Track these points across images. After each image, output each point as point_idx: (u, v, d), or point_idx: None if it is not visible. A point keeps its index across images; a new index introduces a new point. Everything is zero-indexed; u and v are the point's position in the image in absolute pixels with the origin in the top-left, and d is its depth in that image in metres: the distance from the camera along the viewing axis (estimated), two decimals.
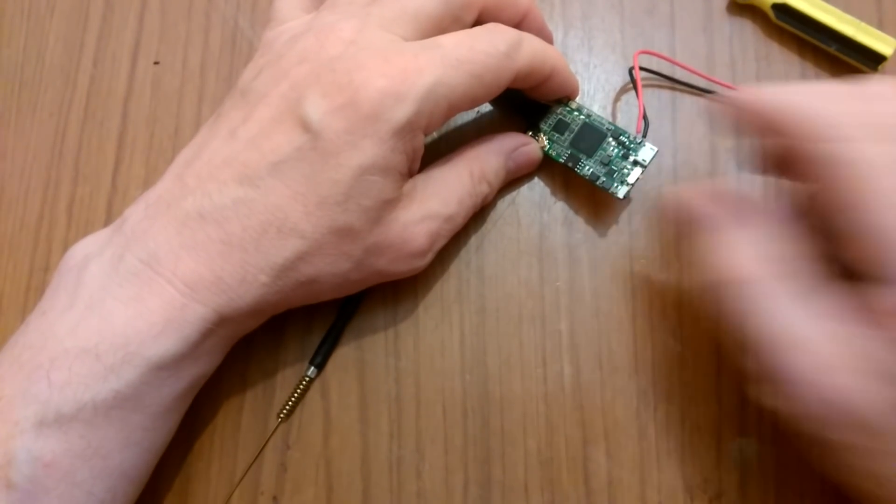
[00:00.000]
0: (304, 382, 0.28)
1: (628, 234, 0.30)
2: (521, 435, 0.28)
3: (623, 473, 0.28)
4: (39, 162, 0.32)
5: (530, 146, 0.29)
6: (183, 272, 0.23)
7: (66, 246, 0.30)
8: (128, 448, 0.23)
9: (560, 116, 0.29)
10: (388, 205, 0.24)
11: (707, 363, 0.29)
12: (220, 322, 0.24)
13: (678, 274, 0.29)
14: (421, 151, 0.25)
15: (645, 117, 0.29)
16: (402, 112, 0.23)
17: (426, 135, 0.25)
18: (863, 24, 0.30)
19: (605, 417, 0.28)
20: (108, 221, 0.30)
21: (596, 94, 0.31)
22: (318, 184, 0.23)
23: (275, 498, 0.28)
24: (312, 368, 0.28)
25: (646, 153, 0.28)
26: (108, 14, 0.33)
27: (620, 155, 0.29)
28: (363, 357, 0.29)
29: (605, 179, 0.29)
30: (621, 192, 0.28)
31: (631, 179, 0.28)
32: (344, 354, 0.29)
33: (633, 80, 0.29)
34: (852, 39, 0.30)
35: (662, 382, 0.28)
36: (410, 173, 0.26)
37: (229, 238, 0.23)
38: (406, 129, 0.23)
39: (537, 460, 0.28)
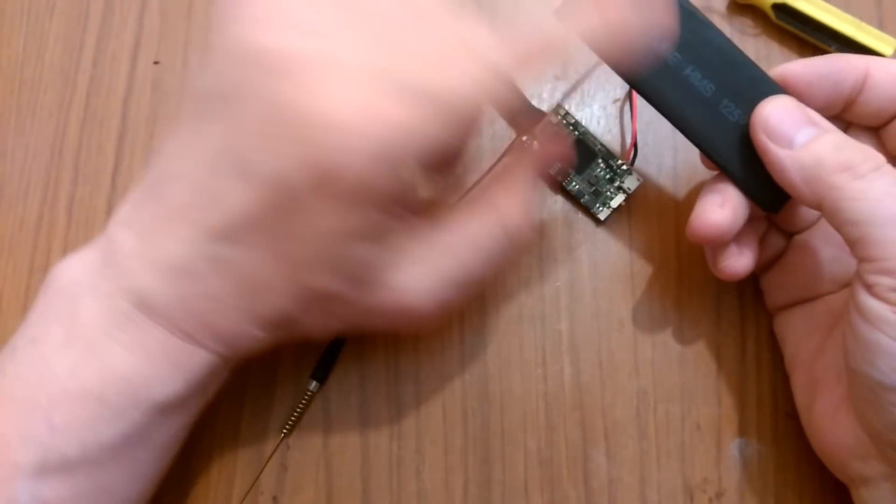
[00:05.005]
0: (306, 397, 0.28)
1: (628, 234, 0.30)
2: (521, 435, 0.28)
3: (623, 473, 0.28)
4: (39, 162, 0.32)
5: (566, 157, 0.27)
6: (179, 322, 0.22)
7: (66, 246, 0.31)
8: (134, 482, 0.23)
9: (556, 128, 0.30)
10: (374, 268, 0.22)
11: (707, 363, 0.29)
12: (224, 363, 0.24)
13: (678, 274, 0.29)
14: (418, 202, 0.23)
15: (635, 146, 0.29)
16: (379, 175, 0.20)
17: (416, 183, 0.23)
18: (863, 24, 0.30)
19: (605, 417, 0.28)
20: (107, 222, 0.30)
21: (596, 94, 0.31)
22: (294, 244, 0.21)
23: (275, 498, 0.28)
24: (315, 383, 0.28)
25: (631, 182, 0.29)
26: (107, 14, 0.33)
27: (607, 178, 0.29)
28: (363, 357, 0.29)
29: (588, 199, 0.29)
30: (603, 214, 0.29)
31: (614, 204, 0.29)
32: (344, 355, 0.29)
33: (630, 104, 0.30)
34: (852, 39, 0.30)
35: (662, 382, 0.28)
36: (414, 214, 0.23)
37: (215, 294, 0.22)
38: (385, 193, 0.21)
39: (537, 460, 0.28)
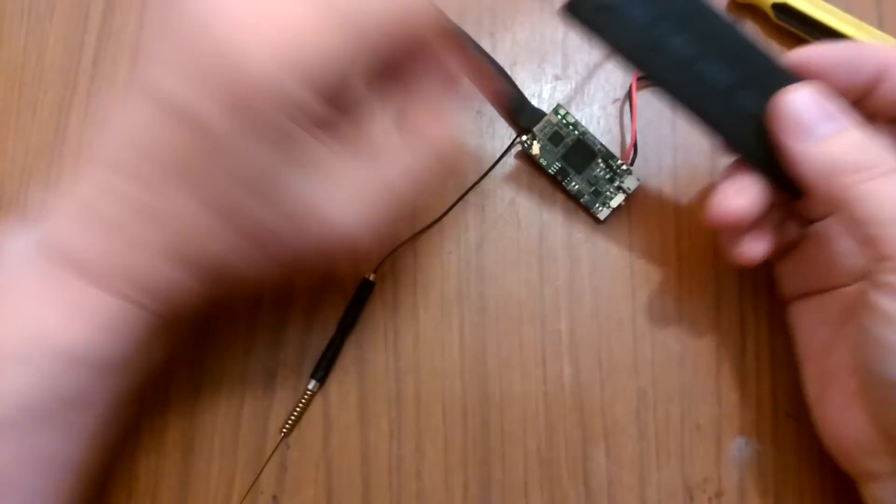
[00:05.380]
0: (305, 396, 0.28)
1: (628, 234, 0.30)
2: (520, 435, 0.28)
3: (623, 473, 0.28)
4: (39, 162, 0.32)
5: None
6: (105, 276, 0.21)
7: None
8: (73, 447, 0.22)
9: (556, 128, 0.30)
10: (299, 190, 0.22)
11: (707, 363, 0.29)
12: (161, 322, 0.23)
13: (678, 274, 0.29)
14: (330, 117, 0.22)
15: (635, 146, 0.29)
16: (289, 84, 0.20)
17: (339, 107, 0.22)
18: (863, 24, 0.30)
19: (605, 417, 0.28)
20: None
21: (596, 94, 0.31)
22: (216, 178, 0.21)
23: (275, 497, 0.28)
24: (314, 382, 0.28)
25: (631, 182, 0.29)
26: (108, 14, 0.33)
27: (607, 178, 0.29)
28: (363, 357, 0.29)
29: (588, 198, 0.29)
30: (602, 214, 0.29)
31: (613, 204, 0.29)
32: (344, 354, 0.29)
33: (630, 105, 0.30)
34: (852, 39, 0.30)
35: (662, 382, 0.28)
36: (336, 140, 0.23)
37: (142, 242, 0.21)
38: (296, 108, 0.20)
39: (537, 460, 0.28)
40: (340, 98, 0.22)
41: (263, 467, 0.28)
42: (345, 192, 0.22)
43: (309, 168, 0.22)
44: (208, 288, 0.23)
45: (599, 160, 0.30)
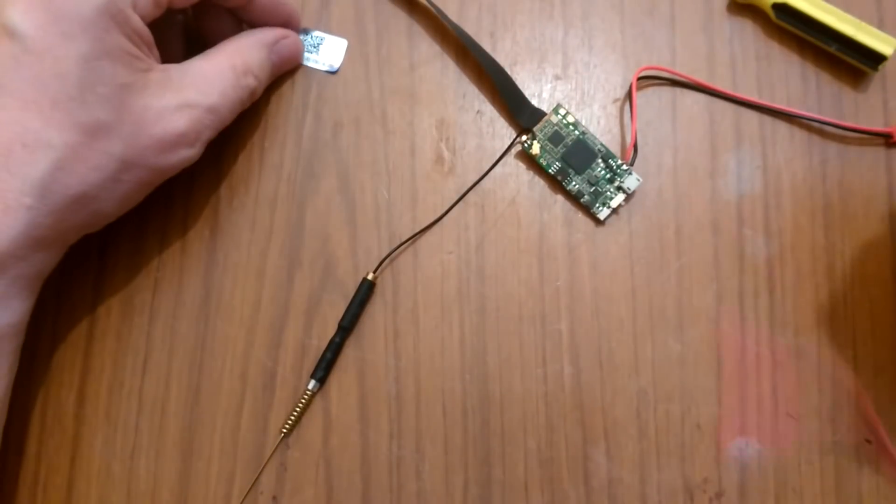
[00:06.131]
0: (305, 396, 0.28)
1: (628, 234, 0.30)
2: (521, 434, 0.28)
3: (623, 473, 0.28)
4: None
5: (291, 38, 0.30)
6: None
7: None
8: None
9: (556, 128, 0.30)
10: (130, 90, 0.24)
11: (707, 363, 0.29)
12: (1, 261, 0.23)
13: (678, 273, 0.29)
14: (147, 35, 0.25)
15: (635, 146, 0.29)
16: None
17: (145, 18, 0.25)
18: (863, 24, 0.30)
19: (605, 417, 0.28)
20: None
21: (596, 94, 0.31)
22: (46, 84, 0.22)
23: (274, 498, 0.28)
24: (314, 382, 0.28)
25: (631, 182, 0.29)
26: None
27: (607, 178, 0.29)
28: (363, 357, 0.29)
29: (588, 198, 0.29)
30: (602, 214, 0.29)
31: (613, 204, 0.29)
32: (344, 354, 0.29)
33: (630, 105, 0.30)
34: (852, 39, 0.30)
35: (662, 382, 0.28)
36: (155, 59, 0.26)
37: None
38: (110, 8, 0.23)
39: (537, 460, 0.28)
40: (138, 6, 0.24)
41: (263, 467, 0.28)
42: (169, 95, 0.25)
43: (133, 68, 0.24)
44: (61, 219, 0.23)
45: (599, 160, 0.30)
